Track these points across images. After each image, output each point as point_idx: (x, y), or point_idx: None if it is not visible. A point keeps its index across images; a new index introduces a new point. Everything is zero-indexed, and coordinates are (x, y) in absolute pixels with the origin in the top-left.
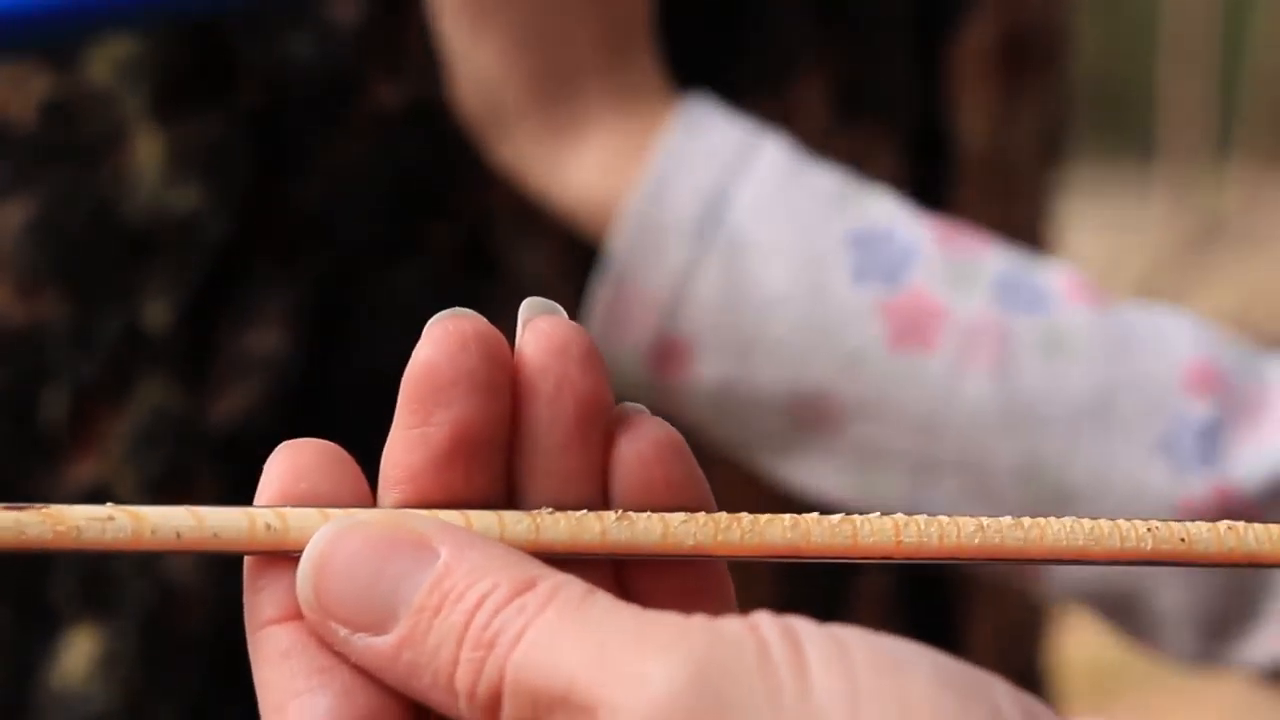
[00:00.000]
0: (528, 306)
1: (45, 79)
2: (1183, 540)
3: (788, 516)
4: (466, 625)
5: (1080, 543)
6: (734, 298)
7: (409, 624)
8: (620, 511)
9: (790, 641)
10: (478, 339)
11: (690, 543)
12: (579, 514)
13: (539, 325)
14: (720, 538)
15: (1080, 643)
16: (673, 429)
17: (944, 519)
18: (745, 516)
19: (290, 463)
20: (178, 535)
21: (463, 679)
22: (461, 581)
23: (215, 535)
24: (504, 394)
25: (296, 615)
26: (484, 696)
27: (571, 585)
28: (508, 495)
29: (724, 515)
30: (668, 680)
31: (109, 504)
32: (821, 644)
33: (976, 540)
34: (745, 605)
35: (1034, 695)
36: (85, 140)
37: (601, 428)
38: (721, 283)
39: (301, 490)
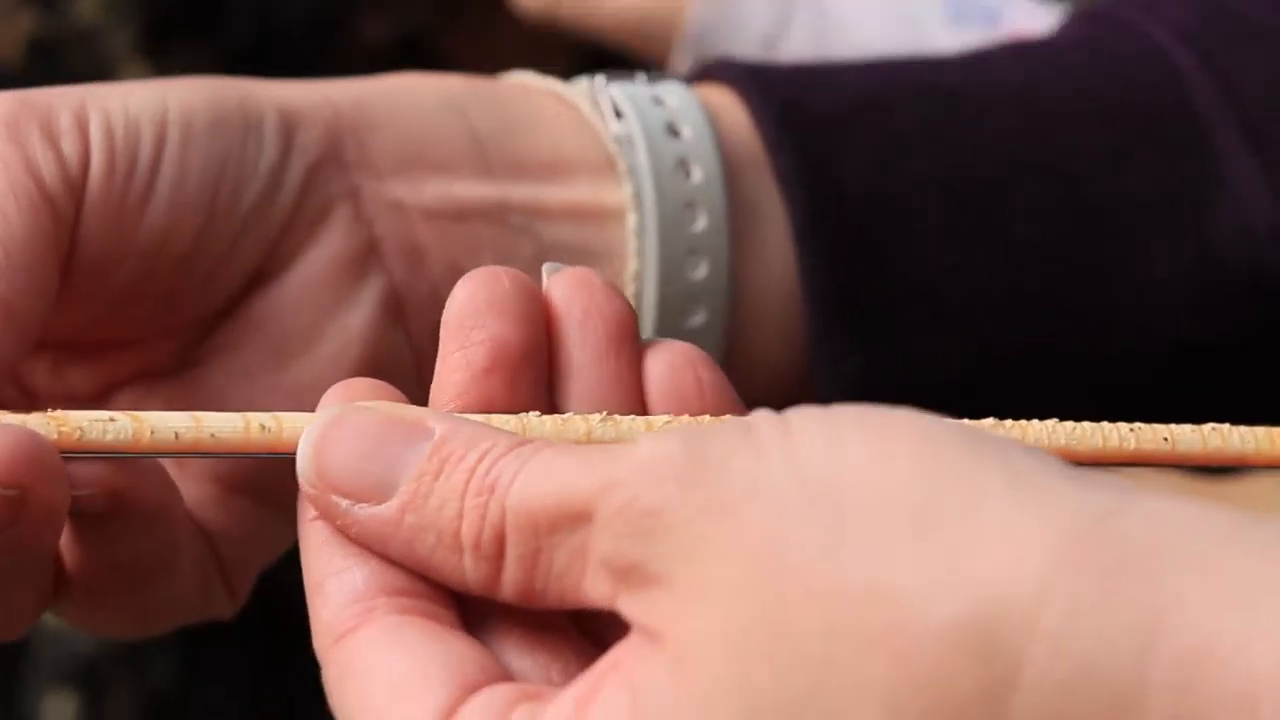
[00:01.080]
0: (546, 268)
1: (33, 16)
2: (1165, 440)
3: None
4: (467, 481)
5: (1062, 441)
6: (823, 55)
7: (410, 489)
8: (605, 413)
9: (775, 417)
10: (508, 274)
11: None
12: (565, 416)
13: (562, 271)
14: None
15: None
16: (698, 348)
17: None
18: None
19: (345, 394)
20: (175, 436)
21: (468, 531)
22: (461, 445)
23: (212, 436)
24: (537, 321)
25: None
26: (489, 542)
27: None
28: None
29: (708, 417)
30: (653, 444)
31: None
32: (808, 414)
33: None
34: None
35: None
36: (73, 77)
37: (631, 348)
38: (809, 44)
39: None
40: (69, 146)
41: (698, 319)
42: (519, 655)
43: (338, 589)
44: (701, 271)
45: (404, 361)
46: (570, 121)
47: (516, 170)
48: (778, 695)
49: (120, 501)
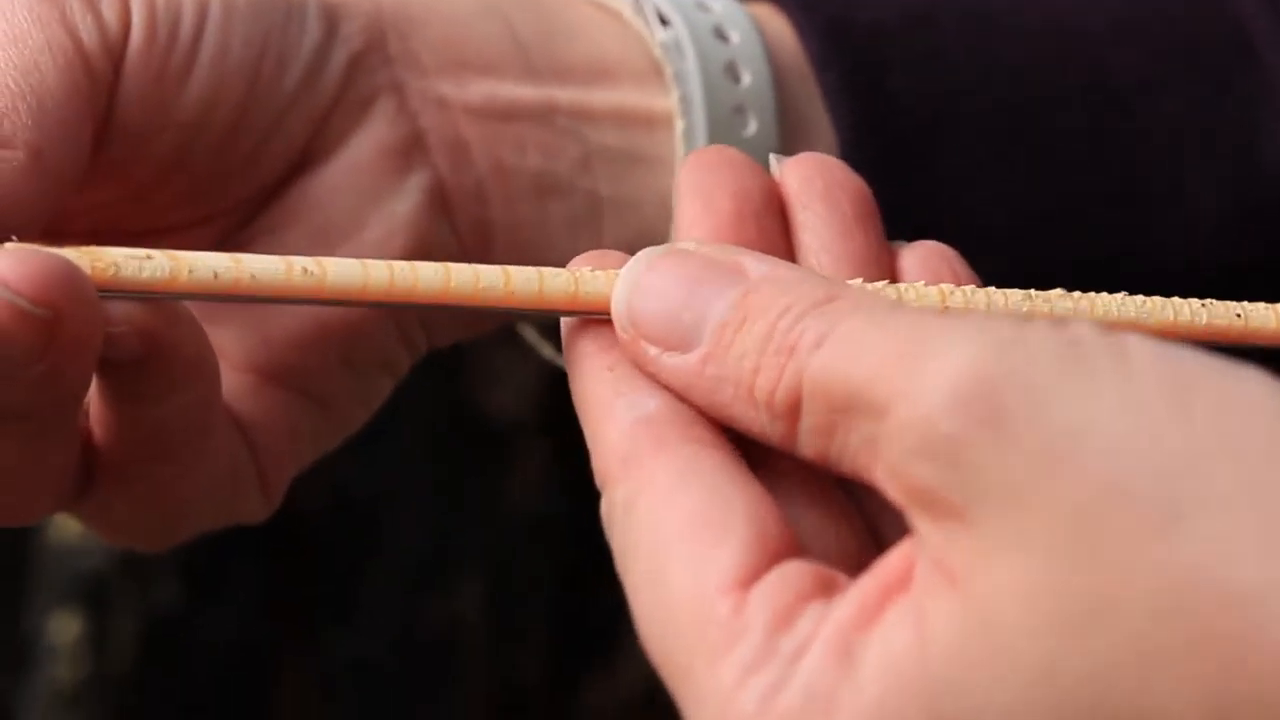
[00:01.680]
0: (774, 157)
1: None
2: (1238, 316)
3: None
4: (769, 336)
5: (1131, 315)
6: None
7: (713, 339)
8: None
9: (1109, 339)
10: (734, 149)
11: None
12: (619, 271)
13: (796, 156)
14: None
15: None
16: (948, 247)
17: (992, 289)
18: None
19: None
20: (214, 275)
21: (762, 386)
22: (765, 297)
23: (252, 277)
24: (774, 186)
25: (613, 346)
26: (783, 403)
27: (879, 295)
28: None
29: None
30: (967, 358)
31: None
32: (1147, 346)
33: (1024, 309)
34: None
35: None
36: None
37: (877, 227)
38: None
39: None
40: (108, 11)
41: None
42: (800, 510)
43: (628, 410)
44: None
45: (450, 254)
46: (612, 28)
47: (560, 74)
48: (1090, 680)
49: (154, 346)
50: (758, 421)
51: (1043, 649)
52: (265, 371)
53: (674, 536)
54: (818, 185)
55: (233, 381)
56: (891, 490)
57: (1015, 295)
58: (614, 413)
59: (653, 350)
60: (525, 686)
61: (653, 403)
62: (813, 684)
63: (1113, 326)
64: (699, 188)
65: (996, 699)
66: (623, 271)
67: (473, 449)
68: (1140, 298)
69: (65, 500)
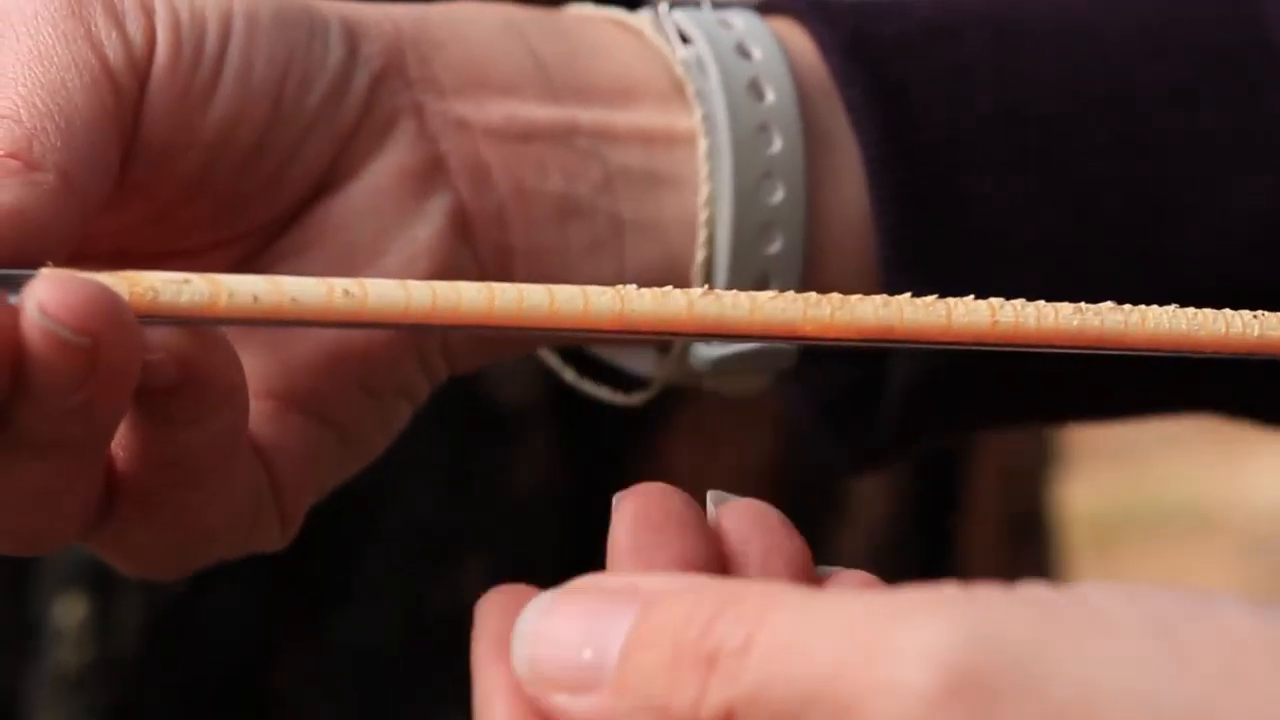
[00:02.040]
0: (713, 495)
1: None
2: None
3: (880, 296)
4: (677, 651)
5: (1183, 327)
6: None
7: (618, 670)
8: (707, 287)
9: (1064, 591)
10: (677, 493)
11: (779, 319)
12: (664, 289)
13: (733, 504)
14: (810, 314)
15: (1084, 495)
16: (871, 576)
17: (1042, 303)
18: (836, 295)
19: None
20: (255, 299)
21: (680, 705)
22: (664, 611)
23: (293, 300)
24: (715, 544)
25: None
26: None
27: (785, 587)
28: None
29: (814, 294)
30: (932, 637)
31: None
32: (1120, 595)
33: (1075, 323)
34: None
35: (1035, 542)
36: None
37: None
38: None
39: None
40: (133, 27)
41: (775, 246)
42: None
43: None
44: (778, 195)
45: (471, 279)
46: (634, 47)
47: (581, 94)
48: None
49: (191, 373)
50: None
51: None
52: (285, 398)
53: None
54: (754, 548)
55: (252, 408)
56: None
57: (1065, 309)
58: None
59: (562, 698)
60: None
61: None
62: None
63: (1165, 342)
64: (639, 548)
65: None
66: (517, 626)
67: (477, 431)
68: (1191, 310)
69: (89, 528)
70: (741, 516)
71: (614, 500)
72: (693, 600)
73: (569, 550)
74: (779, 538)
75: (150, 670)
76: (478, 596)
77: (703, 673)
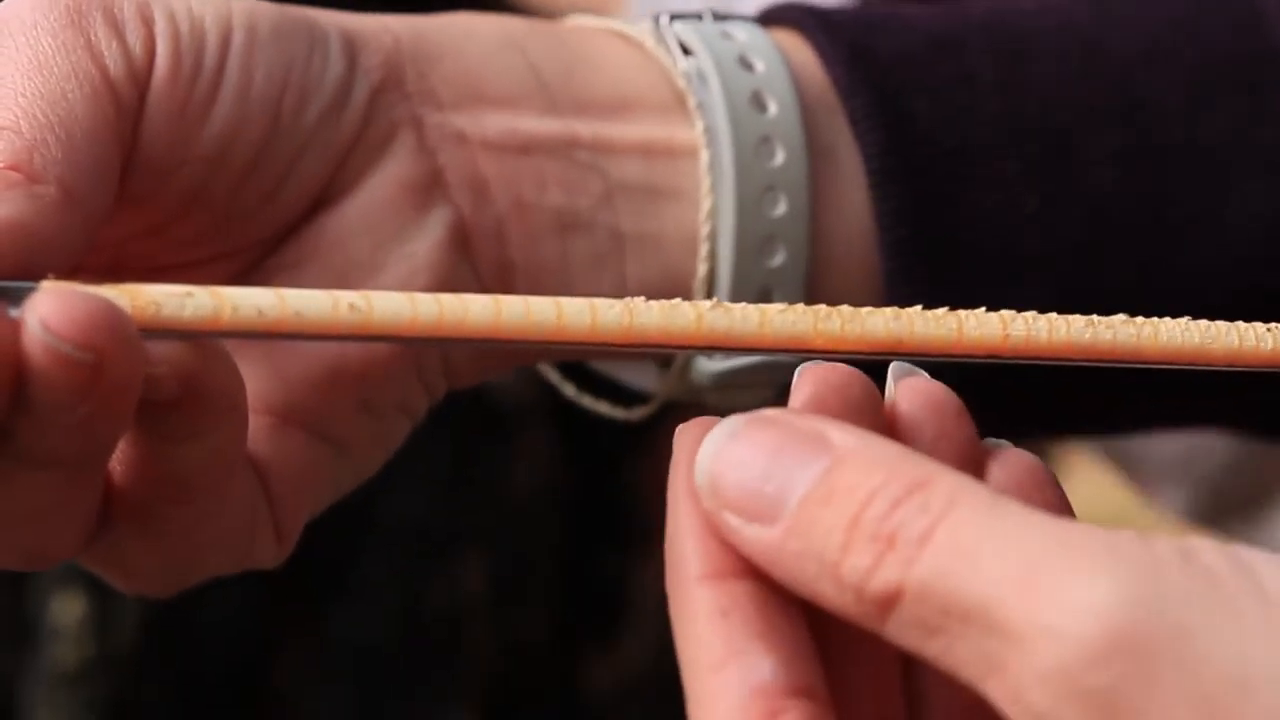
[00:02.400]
0: (896, 368)
1: None
2: None
3: (890, 309)
4: (857, 518)
5: (1196, 341)
6: None
7: (797, 513)
8: (715, 300)
9: (1240, 562)
10: (856, 375)
11: (789, 332)
12: (672, 302)
13: (912, 383)
14: (820, 327)
15: (1085, 494)
16: (1038, 460)
17: (1054, 315)
18: (846, 308)
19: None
20: (259, 313)
21: (854, 568)
22: (852, 474)
23: (297, 314)
24: (886, 422)
25: (724, 573)
26: (878, 593)
27: (975, 486)
28: None
29: (824, 307)
30: (1101, 593)
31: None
32: (1269, 563)
33: (1087, 336)
34: None
35: None
36: None
37: (977, 471)
38: None
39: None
40: (133, 39)
41: (778, 259)
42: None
43: (741, 677)
44: (780, 208)
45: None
46: (635, 59)
47: (581, 107)
48: None
49: (192, 387)
50: (840, 599)
51: None
52: (282, 413)
53: None
54: (926, 432)
55: (250, 423)
56: (1013, 712)
57: (1078, 321)
58: (726, 679)
59: (734, 520)
60: (527, 663)
61: (767, 665)
62: None
63: (1178, 355)
64: (813, 394)
65: None
66: (705, 439)
67: (477, 431)
68: (1204, 322)
69: (87, 544)
70: (918, 398)
71: (795, 374)
72: (884, 474)
73: (568, 549)
74: (951, 425)
75: (148, 667)
76: (476, 595)
77: (880, 549)
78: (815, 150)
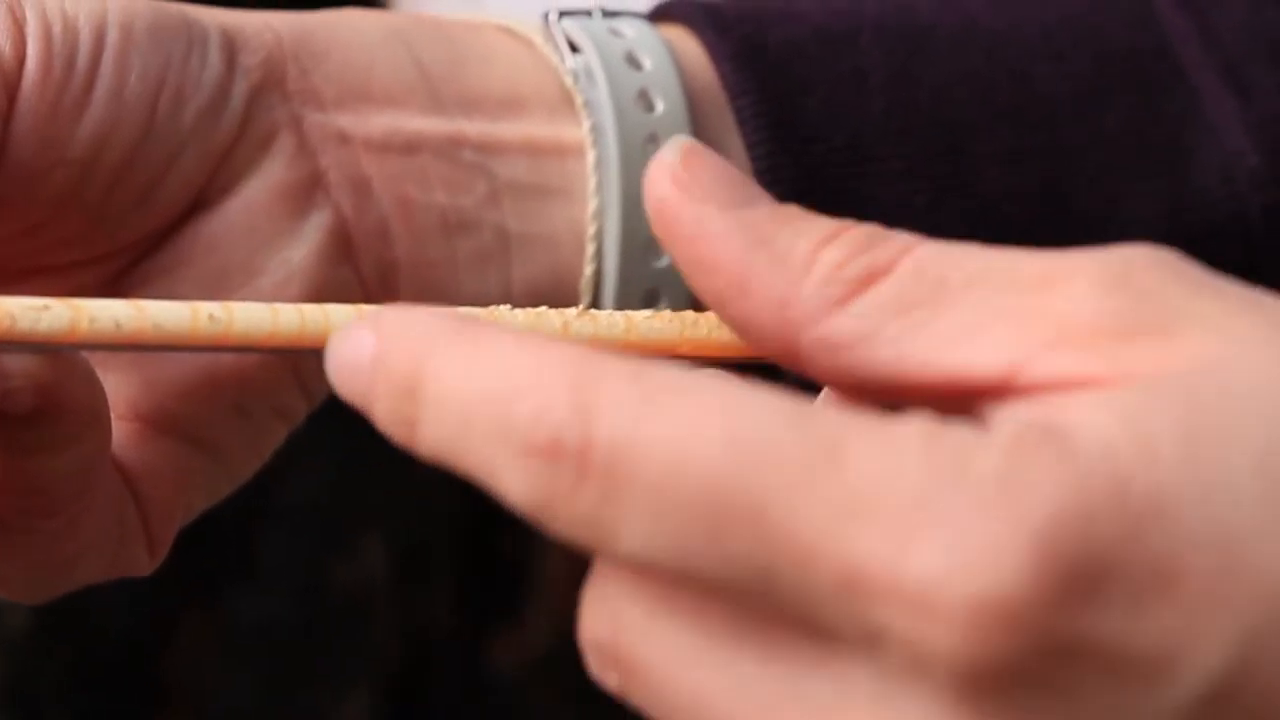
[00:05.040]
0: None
1: None
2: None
3: None
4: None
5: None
6: None
7: None
8: (582, 307)
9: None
10: None
11: (655, 339)
12: (539, 310)
13: None
14: (687, 334)
15: None
16: None
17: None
18: (713, 315)
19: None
20: (117, 325)
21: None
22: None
23: (156, 326)
24: None
25: None
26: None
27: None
28: None
29: (691, 313)
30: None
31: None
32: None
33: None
34: None
35: None
36: None
37: None
38: None
39: None
40: (3, 39)
41: (665, 260)
42: None
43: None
44: None
45: (352, 298)
46: (523, 56)
47: (467, 105)
48: None
49: (50, 400)
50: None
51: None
52: (151, 419)
53: None
54: None
55: (117, 430)
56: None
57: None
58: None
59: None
60: (431, 643)
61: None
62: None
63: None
64: None
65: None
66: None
67: None
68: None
69: None
70: None
71: None
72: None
73: (469, 528)
74: None
75: (41, 652)
76: (377, 575)
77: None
78: (705, 145)
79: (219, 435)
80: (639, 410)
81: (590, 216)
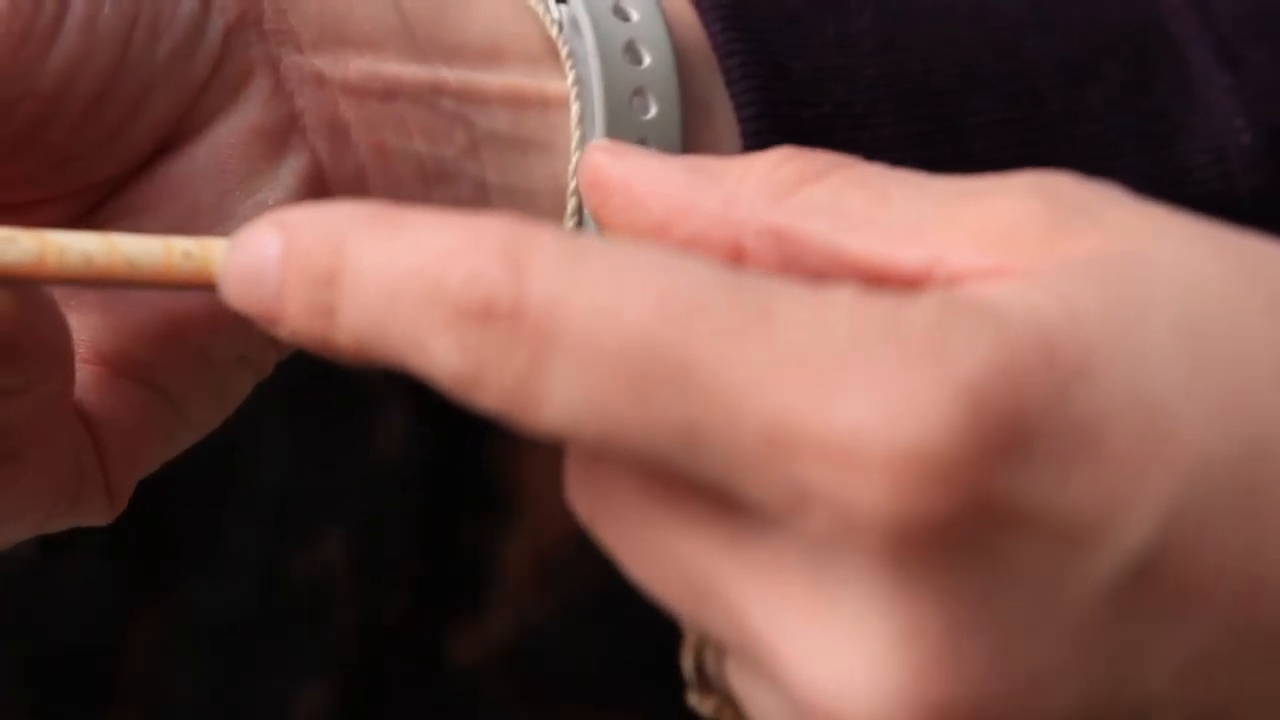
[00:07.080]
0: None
1: None
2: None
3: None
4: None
5: None
6: None
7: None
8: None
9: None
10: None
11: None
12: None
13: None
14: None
15: None
16: None
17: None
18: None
19: None
20: (87, 259)
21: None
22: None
23: (129, 263)
24: None
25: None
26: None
27: None
28: None
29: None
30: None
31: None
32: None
33: None
34: None
35: None
36: None
37: None
38: None
39: None
40: None
41: None
42: None
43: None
44: None
45: None
46: (507, 5)
47: (448, 52)
48: None
49: (13, 339)
50: None
51: None
52: (115, 363)
53: None
54: None
55: (79, 374)
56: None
57: None
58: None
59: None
60: (390, 636)
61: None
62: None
63: None
64: None
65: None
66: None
67: (333, 401)
68: None
69: None
70: None
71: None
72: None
73: (429, 520)
74: None
75: None
76: (337, 567)
77: None
78: (690, 105)
79: (184, 383)
80: (572, 270)
81: (571, 171)
